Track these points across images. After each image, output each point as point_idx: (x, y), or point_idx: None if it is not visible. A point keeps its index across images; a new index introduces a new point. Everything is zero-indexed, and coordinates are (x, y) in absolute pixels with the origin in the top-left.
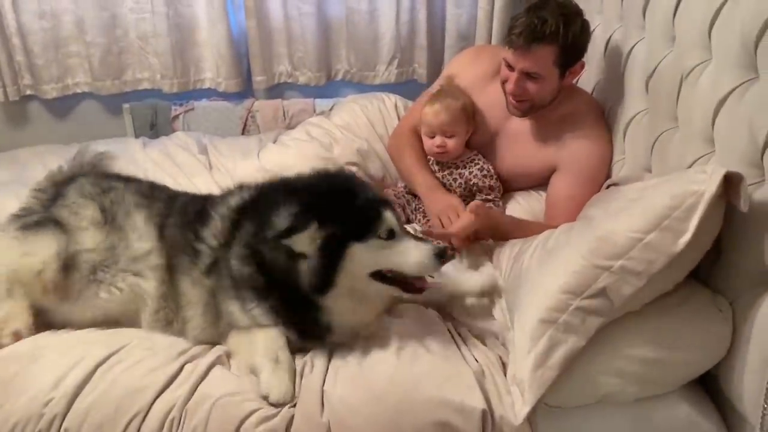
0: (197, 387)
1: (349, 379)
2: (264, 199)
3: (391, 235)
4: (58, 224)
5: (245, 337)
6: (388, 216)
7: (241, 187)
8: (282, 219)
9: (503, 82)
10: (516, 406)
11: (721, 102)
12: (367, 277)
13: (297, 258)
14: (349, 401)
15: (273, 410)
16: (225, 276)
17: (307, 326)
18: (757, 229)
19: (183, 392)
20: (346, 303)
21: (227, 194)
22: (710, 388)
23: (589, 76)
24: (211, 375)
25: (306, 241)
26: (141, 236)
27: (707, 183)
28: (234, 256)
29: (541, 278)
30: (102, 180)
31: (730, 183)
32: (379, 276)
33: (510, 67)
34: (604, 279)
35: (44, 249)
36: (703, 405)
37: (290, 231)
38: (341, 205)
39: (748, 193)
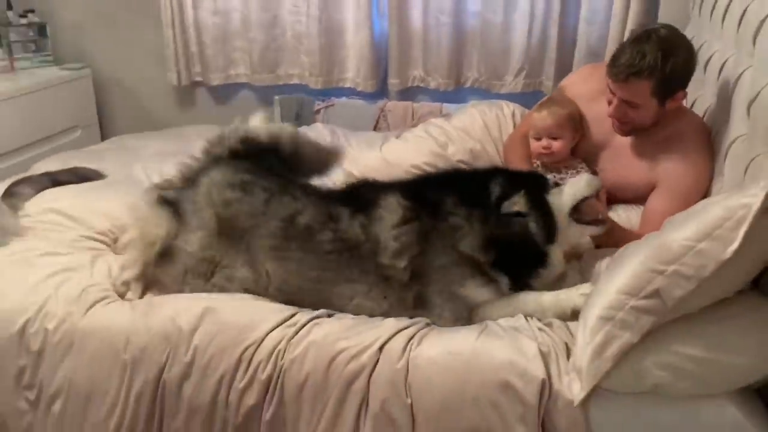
0: (301, 330)
1: (431, 340)
2: (441, 188)
3: (557, 185)
4: (178, 213)
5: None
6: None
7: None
8: (496, 190)
9: (608, 103)
10: (574, 391)
11: None
12: (568, 219)
13: (521, 219)
14: (427, 353)
15: (361, 349)
16: (446, 266)
17: (527, 280)
18: None
19: (290, 332)
20: (558, 251)
21: (380, 197)
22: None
23: (703, 100)
24: (313, 323)
25: (522, 202)
26: (246, 262)
27: (757, 196)
28: (467, 240)
29: (606, 281)
30: (236, 182)
31: None
32: (574, 216)
33: (612, 93)
34: (657, 282)
35: (155, 227)
36: (752, 410)
37: (503, 198)
38: (520, 176)
39: None
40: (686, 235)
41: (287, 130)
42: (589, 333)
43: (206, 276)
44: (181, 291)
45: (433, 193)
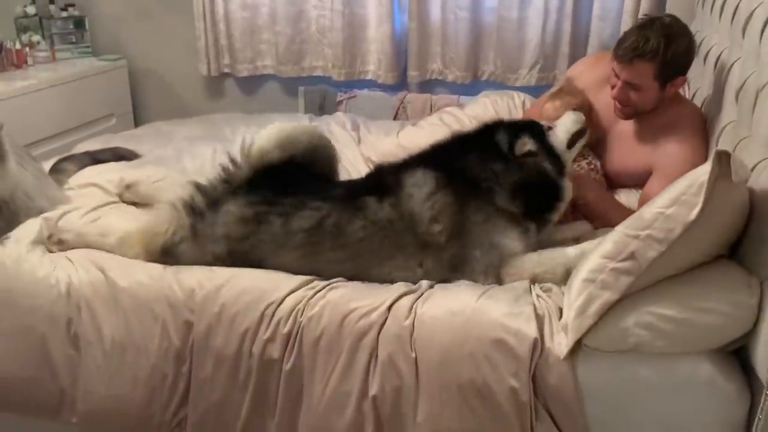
0: (319, 292)
1: (435, 300)
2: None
3: (549, 128)
4: (195, 227)
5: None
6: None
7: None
8: (503, 139)
9: (612, 87)
10: (561, 345)
11: None
12: (567, 152)
13: (534, 159)
14: (431, 312)
15: (372, 308)
16: (486, 219)
17: (548, 215)
18: None
19: (309, 293)
20: (568, 183)
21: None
22: (744, 360)
23: (702, 91)
24: (330, 287)
25: (530, 142)
26: None
27: (713, 164)
28: (500, 195)
29: (593, 253)
30: (250, 216)
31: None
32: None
33: (617, 76)
34: (633, 245)
35: (166, 223)
36: (727, 368)
37: (512, 143)
38: (518, 124)
39: (738, 167)
40: (658, 204)
41: (301, 138)
42: (575, 294)
43: None
44: None
45: (453, 159)
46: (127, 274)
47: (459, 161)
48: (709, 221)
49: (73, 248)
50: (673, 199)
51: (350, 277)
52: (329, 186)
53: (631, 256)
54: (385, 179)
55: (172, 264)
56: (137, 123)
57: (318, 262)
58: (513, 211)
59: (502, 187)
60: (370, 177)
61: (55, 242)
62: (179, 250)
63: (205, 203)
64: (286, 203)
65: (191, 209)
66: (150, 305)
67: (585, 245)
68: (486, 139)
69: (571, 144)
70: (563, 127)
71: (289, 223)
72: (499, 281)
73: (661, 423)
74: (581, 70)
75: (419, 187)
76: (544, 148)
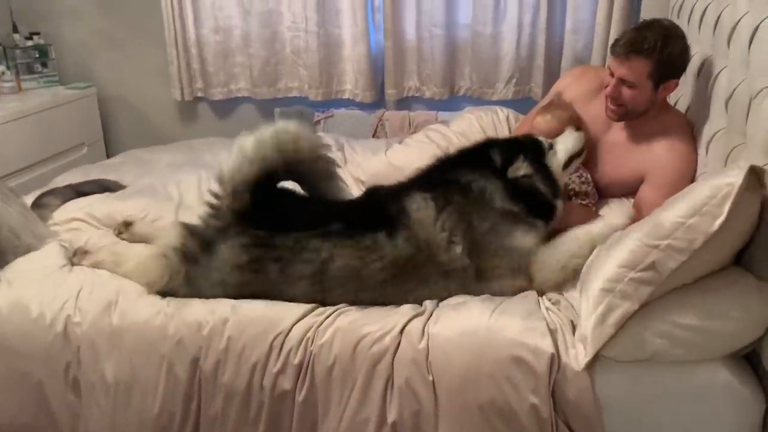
0: (327, 318)
1: (447, 321)
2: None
3: (551, 147)
4: (189, 273)
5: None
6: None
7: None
8: (497, 158)
9: (605, 86)
10: (579, 356)
11: None
12: (563, 172)
13: (529, 180)
14: (445, 333)
15: (384, 333)
16: (492, 226)
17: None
18: None
19: (317, 319)
20: (560, 204)
21: (402, 193)
22: (757, 363)
23: (685, 98)
24: (338, 312)
25: (524, 166)
26: None
27: (739, 175)
28: (494, 194)
29: (606, 259)
30: (244, 263)
31: (757, 175)
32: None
33: (612, 74)
34: (653, 255)
35: (157, 272)
36: (742, 374)
37: (506, 164)
38: (516, 142)
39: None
40: (677, 214)
41: (265, 144)
42: (593, 304)
43: None
44: None
45: (446, 177)
46: (129, 312)
47: (451, 176)
48: (729, 232)
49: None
50: (694, 210)
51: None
52: (322, 215)
53: (651, 266)
54: (386, 209)
55: None
56: (109, 151)
57: (327, 304)
58: (514, 210)
59: (498, 189)
60: (365, 205)
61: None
62: (178, 294)
63: (198, 246)
64: (279, 245)
65: (184, 256)
66: (154, 343)
67: (609, 222)
68: (480, 155)
69: (567, 164)
70: (563, 146)
71: (285, 270)
72: (530, 279)
73: (680, 430)
74: (568, 83)
75: (423, 211)
76: (541, 172)
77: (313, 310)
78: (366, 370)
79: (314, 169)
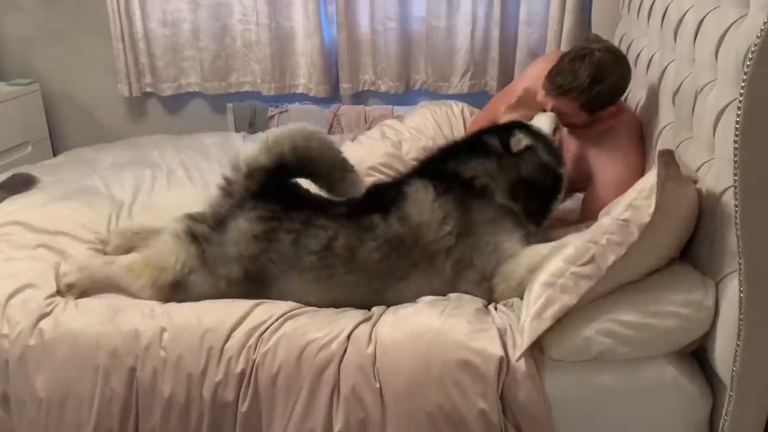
0: (271, 325)
1: (395, 324)
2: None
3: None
4: (204, 253)
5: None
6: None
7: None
8: (495, 142)
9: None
10: (516, 348)
11: (719, 114)
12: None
13: (532, 151)
14: (392, 336)
15: (330, 339)
16: (491, 219)
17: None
18: (724, 219)
19: (259, 327)
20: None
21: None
22: (704, 360)
23: (635, 93)
24: (284, 318)
25: (523, 136)
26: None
27: (660, 168)
28: (498, 193)
29: (553, 259)
30: (260, 232)
31: (665, 159)
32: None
33: None
34: (593, 249)
35: (170, 255)
36: (689, 370)
37: (506, 141)
38: (506, 126)
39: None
40: (614, 213)
41: (286, 144)
42: (533, 298)
43: None
44: None
45: (447, 166)
46: (60, 322)
47: (453, 166)
48: (663, 223)
49: (84, 288)
50: (627, 205)
51: (365, 302)
52: (332, 204)
53: (591, 260)
54: (383, 195)
55: (182, 298)
56: (55, 150)
57: (332, 286)
58: (514, 209)
59: (499, 184)
60: (368, 194)
61: (66, 291)
62: (190, 281)
63: (208, 226)
64: (294, 218)
65: (193, 237)
66: (88, 353)
67: (564, 240)
68: (477, 143)
69: None
70: (546, 120)
71: (298, 242)
72: (490, 292)
73: (627, 428)
74: (535, 78)
75: (422, 195)
76: (541, 139)
77: (251, 311)
78: (311, 378)
79: (328, 168)
